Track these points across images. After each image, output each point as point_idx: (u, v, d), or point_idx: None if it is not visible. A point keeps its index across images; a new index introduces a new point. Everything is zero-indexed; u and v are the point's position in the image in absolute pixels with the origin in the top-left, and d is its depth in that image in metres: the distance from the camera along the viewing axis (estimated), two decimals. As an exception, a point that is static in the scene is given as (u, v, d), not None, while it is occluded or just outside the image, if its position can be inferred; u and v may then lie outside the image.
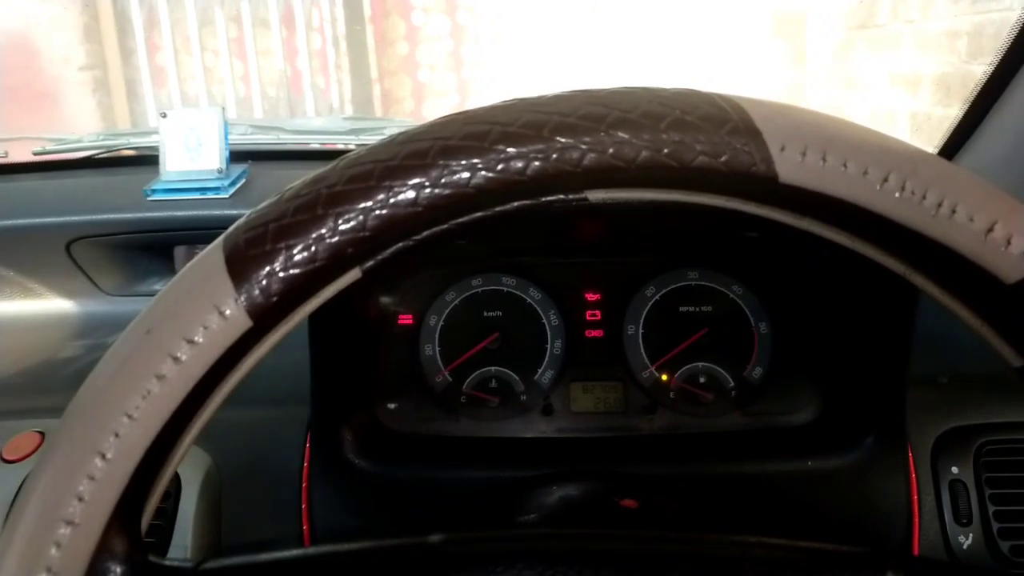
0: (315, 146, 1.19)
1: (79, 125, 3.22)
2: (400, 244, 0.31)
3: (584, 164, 0.29)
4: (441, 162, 0.29)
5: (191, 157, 0.92)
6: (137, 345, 0.29)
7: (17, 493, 0.64)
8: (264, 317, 0.29)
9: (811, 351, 0.75)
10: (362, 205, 0.29)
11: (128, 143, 1.14)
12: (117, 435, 0.28)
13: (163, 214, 0.87)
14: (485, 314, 0.76)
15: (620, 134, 0.29)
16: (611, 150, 0.29)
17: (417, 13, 3.57)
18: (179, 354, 0.28)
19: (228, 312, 0.28)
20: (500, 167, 0.29)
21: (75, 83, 3.22)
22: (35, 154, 1.10)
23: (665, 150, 0.29)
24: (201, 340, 0.28)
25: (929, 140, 0.93)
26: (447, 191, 0.29)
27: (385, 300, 0.76)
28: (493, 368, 0.75)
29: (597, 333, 0.76)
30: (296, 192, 0.30)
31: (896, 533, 0.66)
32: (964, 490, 0.67)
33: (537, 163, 0.29)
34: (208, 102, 3.54)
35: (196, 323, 0.28)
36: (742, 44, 3.17)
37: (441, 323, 0.76)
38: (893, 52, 2.36)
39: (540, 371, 0.75)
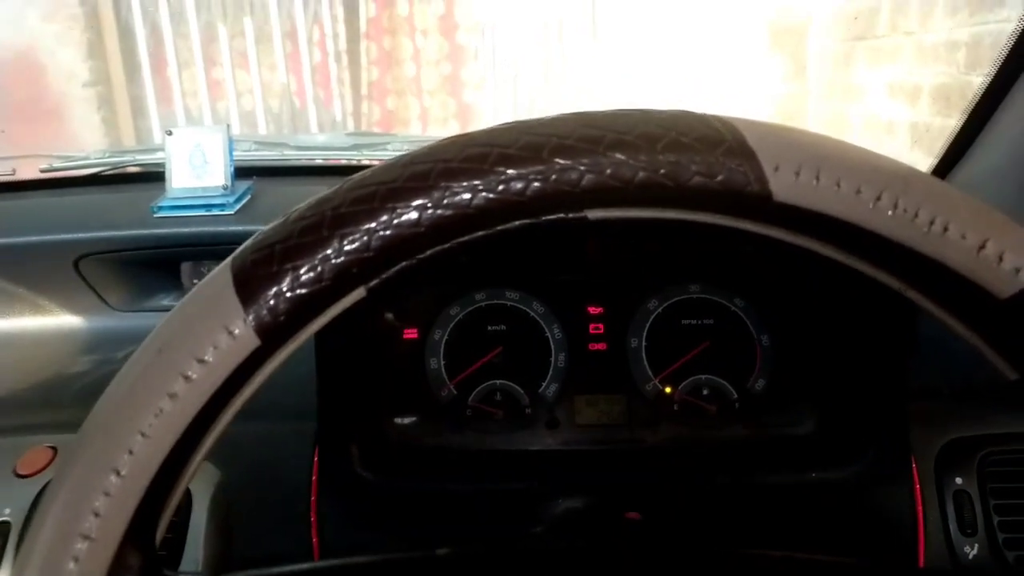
0: (319, 162, 1.19)
1: (84, 141, 3.23)
2: (404, 263, 0.32)
3: (583, 185, 0.30)
4: (443, 184, 0.30)
5: (197, 174, 0.93)
6: (149, 364, 0.29)
7: (32, 506, 0.65)
8: (272, 336, 0.30)
9: (813, 363, 0.75)
10: (366, 226, 0.30)
11: (134, 160, 1.15)
12: (131, 452, 0.28)
13: (170, 231, 0.88)
14: (489, 328, 0.77)
15: (617, 155, 0.30)
16: (609, 171, 0.30)
17: (418, 36, 3.58)
18: (190, 373, 0.29)
19: (237, 332, 0.29)
20: (501, 188, 0.30)
21: (80, 100, 3.24)
22: (42, 171, 1.11)
23: (662, 170, 0.30)
24: (211, 359, 0.29)
25: (929, 150, 0.93)
26: (449, 212, 0.30)
27: (390, 315, 0.76)
28: (498, 381, 0.76)
29: (600, 346, 0.76)
30: (302, 214, 0.31)
31: (901, 544, 0.66)
32: (968, 501, 0.67)
33: (537, 184, 0.30)
34: (212, 118, 3.56)
35: (206, 343, 0.29)
36: (741, 56, 3.18)
37: (446, 337, 0.77)
38: (892, 63, 2.37)
39: (544, 384, 0.76)
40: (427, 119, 3.61)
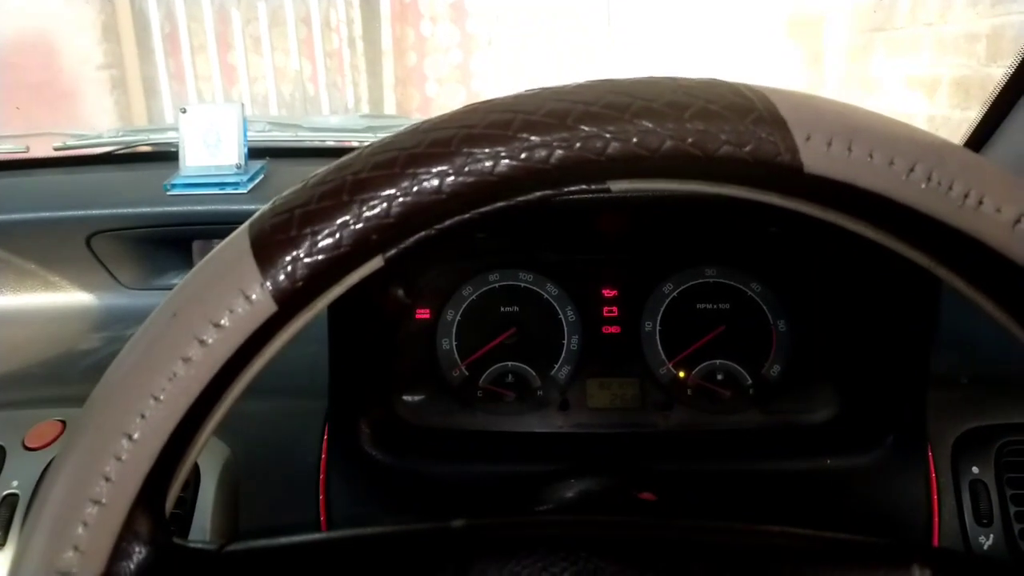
0: (332, 143, 1.19)
1: (98, 123, 3.24)
2: (423, 233, 0.31)
3: (608, 153, 0.29)
4: (465, 150, 0.29)
5: (210, 153, 0.93)
6: (164, 328, 0.29)
7: (40, 479, 0.65)
8: (289, 302, 0.29)
9: (830, 349, 0.74)
10: (386, 192, 0.29)
11: (147, 139, 1.15)
12: (143, 416, 0.28)
13: (182, 208, 0.88)
14: (502, 309, 0.76)
15: (644, 123, 0.29)
16: (635, 139, 0.29)
17: (425, 22, 3.56)
18: (205, 337, 0.28)
19: (254, 296, 0.28)
20: (524, 155, 0.29)
21: (94, 81, 3.24)
22: (56, 149, 1.11)
23: (689, 139, 0.29)
24: (227, 323, 0.28)
25: (948, 142, 0.92)
26: (471, 179, 0.29)
27: (403, 294, 0.76)
28: (510, 363, 0.76)
29: (614, 329, 0.76)
30: (322, 179, 0.30)
31: (915, 533, 0.66)
32: (984, 490, 0.66)
33: (561, 151, 0.29)
34: (225, 101, 3.56)
35: (222, 307, 0.28)
36: (758, 47, 3.16)
37: (458, 318, 0.76)
38: (911, 55, 2.34)
39: (557, 366, 0.75)
40: (429, 109, 3.60)
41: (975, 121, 0.83)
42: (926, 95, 2.25)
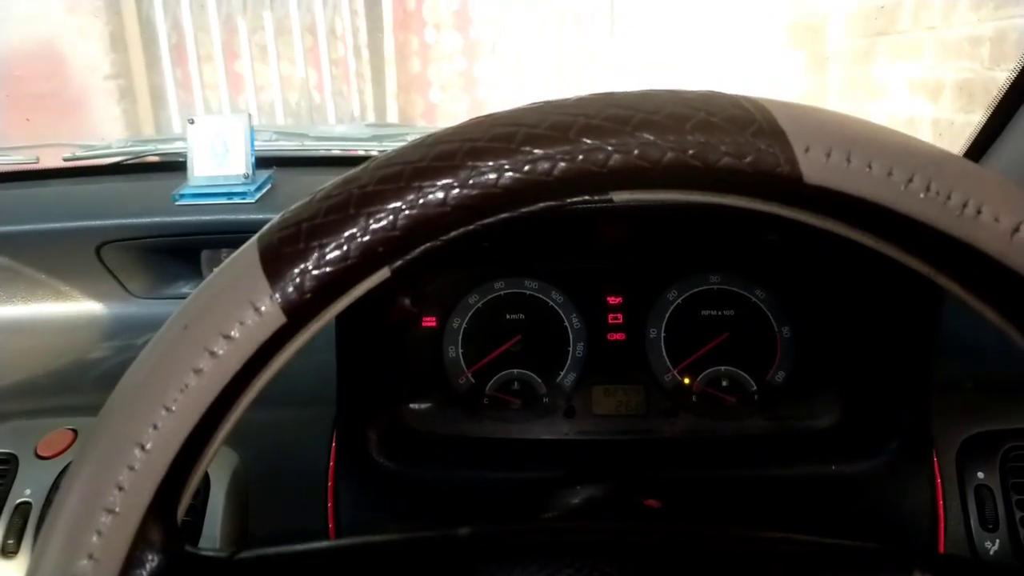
0: (338, 152, 1.20)
1: (105, 132, 3.25)
2: (428, 244, 0.32)
3: (610, 165, 0.30)
4: (469, 163, 0.29)
5: (218, 163, 0.93)
6: (175, 340, 0.29)
7: (52, 487, 0.66)
8: (298, 314, 0.30)
9: (835, 355, 0.74)
10: (392, 205, 0.29)
11: (155, 149, 1.16)
12: (156, 427, 0.28)
13: (191, 218, 0.88)
14: (508, 317, 0.77)
15: (645, 135, 0.29)
16: (636, 151, 0.29)
17: (429, 30, 3.57)
18: (216, 349, 0.29)
19: (263, 308, 0.29)
20: (527, 168, 0.29)
21: (101, 91, 3.26)
22: (65, 160, 1.12)
23: (690, 151, 0.29)
24: (237, 335, 0.29)
25: (951, 147, 0.92)
26: (475, 191, 0.30)
27: (409, 303, 0.76)
28: (516, 370, 0.76)
29: (619, 336, 0.76)
30: (328, 192, 0.31)
31: (921, 538, 0.66)
32: (990, 495, 0.66)
33: (563, 164, 0.30)
34: (231, 111, 3.57)
35: (232, 319, 0.29)
36: (760, 51, 3.16)
37: (464, 325, 0.77)
38: (914, 59, 2.34)
39: (562, 373, 0.76)
40: (434, 115, 3.61)
41: (977, 128, 0.83)
42: (930, 99, 2.25)
